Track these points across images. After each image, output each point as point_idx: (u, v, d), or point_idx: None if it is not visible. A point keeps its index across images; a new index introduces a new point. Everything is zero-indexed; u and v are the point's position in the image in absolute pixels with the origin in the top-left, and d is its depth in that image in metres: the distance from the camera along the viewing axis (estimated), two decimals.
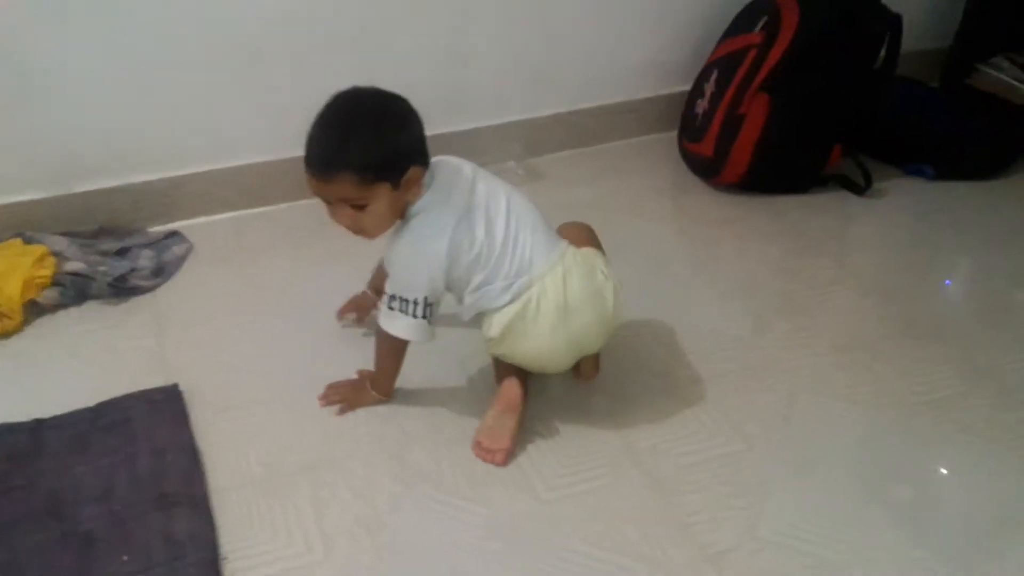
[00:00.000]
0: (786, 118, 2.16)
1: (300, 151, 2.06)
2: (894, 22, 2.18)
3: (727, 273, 1.97)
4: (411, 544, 1.36)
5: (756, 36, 2.19)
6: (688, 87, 2.42)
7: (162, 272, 1.90)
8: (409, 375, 1.60)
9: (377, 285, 1.67)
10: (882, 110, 2.26)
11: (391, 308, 1.43)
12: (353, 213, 1.34)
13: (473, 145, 2.26)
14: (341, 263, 1.84)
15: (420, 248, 1.39)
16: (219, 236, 2.05)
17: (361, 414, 1.58)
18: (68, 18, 1.81)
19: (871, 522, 1.40)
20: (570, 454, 1.51)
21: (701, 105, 2.30)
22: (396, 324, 1.44)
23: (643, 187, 2.31)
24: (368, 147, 1.29)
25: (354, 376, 1.63)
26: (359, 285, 1.78)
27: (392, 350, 1.52)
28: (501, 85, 2.30)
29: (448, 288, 1.45)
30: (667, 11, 2.38)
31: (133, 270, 1.85)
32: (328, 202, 1.36)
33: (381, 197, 1.32)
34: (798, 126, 2.18)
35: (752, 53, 2.18)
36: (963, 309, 1.88)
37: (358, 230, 1.38)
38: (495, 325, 1.43)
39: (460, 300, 1.47)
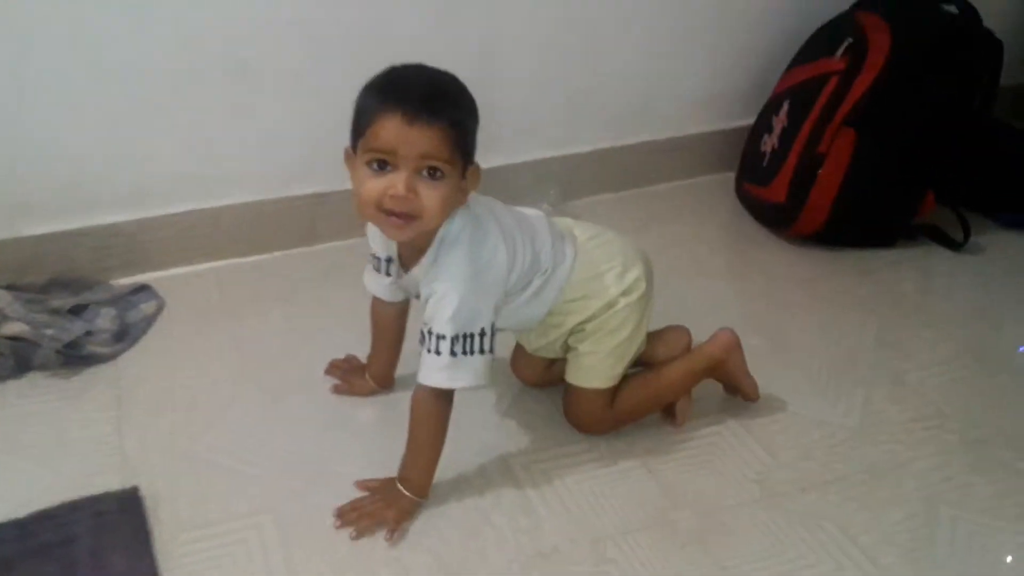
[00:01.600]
0: (875, 157, 1.83)
1: (295, 189, 1.77)
2: (995, 49, 1.86)
3: (818, 347, 1.62)
4: None
5: (838, 62, 1.86)
6: (748, 121, 2.10)
7: (126, 336, 1.53)
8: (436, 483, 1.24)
9: (381, 371, 1.43)
10: (980, 150, 1.94)
11: (454, 355, 1.13)
12: (416, 185, 1.07)
13: (501, 185, 1.88)
14: (345, 323, 1.52)
15: (482, 262, 1.16)
16: (197, 291, 1.69)
17: (379, 534, 1.20)
18: (19, 29, 1.47)
19: None
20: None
21: (769, 142, 1.97)
22: (464, 371, 1.15)
23: (701, 238, 1.97)
24: (466, 108, 1.11)
25: (359, 488, 1.26)
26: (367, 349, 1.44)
27: (443, 422, 1.19)
28: (534, 116, 1.97)
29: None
30: (724, 35, 2.07)
31: (89, 333, 1.48)
32: (391, 162, 1.06)
33: (453, 176, 1.09)
34: (889, 167, 1.85)
35: (833, 81, 1.85)
36: None
37: (412, 210, 1.08)
38: (582, 272, 1.29)
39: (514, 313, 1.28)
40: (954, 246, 1.93)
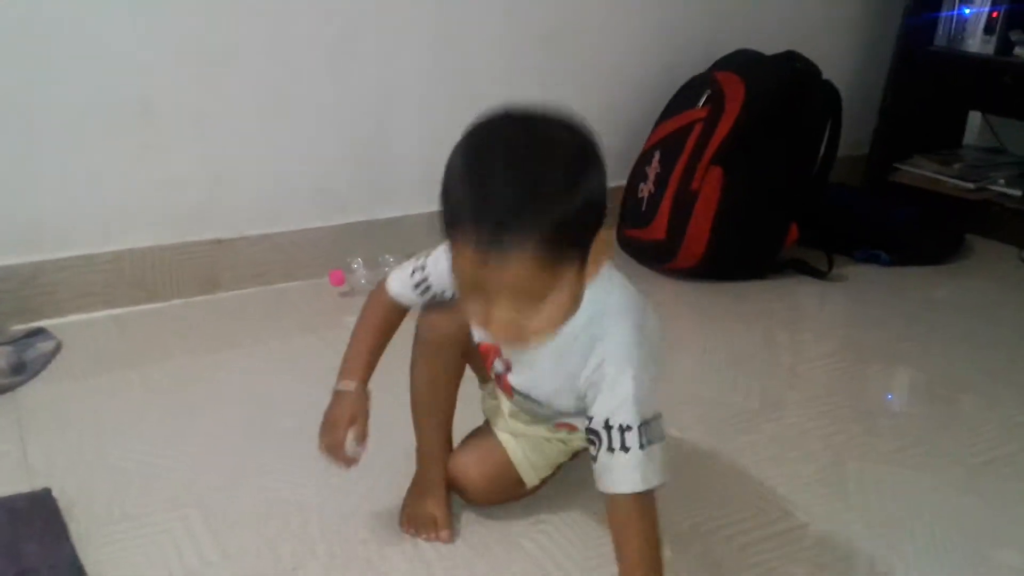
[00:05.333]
0: (742, 191, 1.99)
1: (200, 233, 1.81)
2: (834, 94, 2.09)
3: (712, 348, 1.72)
4: None
5: (700, 111, 2.05)
6: (621, 181, 2.24)
7: (23, 370, 1.47)
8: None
9: (366, 369, 1.09)
10: (828, 188, 2.15)
11: (643, 447, 0.91)
12: (516, 317, 0.87)
13: (399, 235, 1.99)
14: (256, 366, 1.53)
15: (647, 328, 0.97)
16: (97, 335, 1.64)
17: (313, 514, 1.18)
18: None
19: None
20: (589, 543, 1.15)
21: (645, 189, 2.11)
22: (654, 464, 0.92)
23: None
24: (562, 199, 0.82)
25: None
26: (281, 389, 1.45)
27: (656, 521, 0.94)
28: (426, 171, 2.04)
29: None
30: (595, 99, 2.22)
31: None
32: (478, 295, 0.86)
33: (567, 283, 0.86)
34: (755, 199, 2.01)
35: (698, 127, 2.03)
36: (977, 368, 1.68)
37: (520, 338, 0.90)
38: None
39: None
40: (819, 275, 2.09)
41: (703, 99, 2.06)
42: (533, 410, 1.12)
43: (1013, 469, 1.37)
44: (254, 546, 1.12)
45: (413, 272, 1.07)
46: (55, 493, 1.17)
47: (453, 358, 1.13)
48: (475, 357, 1.15)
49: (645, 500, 0.92)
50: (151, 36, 1.62)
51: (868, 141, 2.62)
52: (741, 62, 2.13)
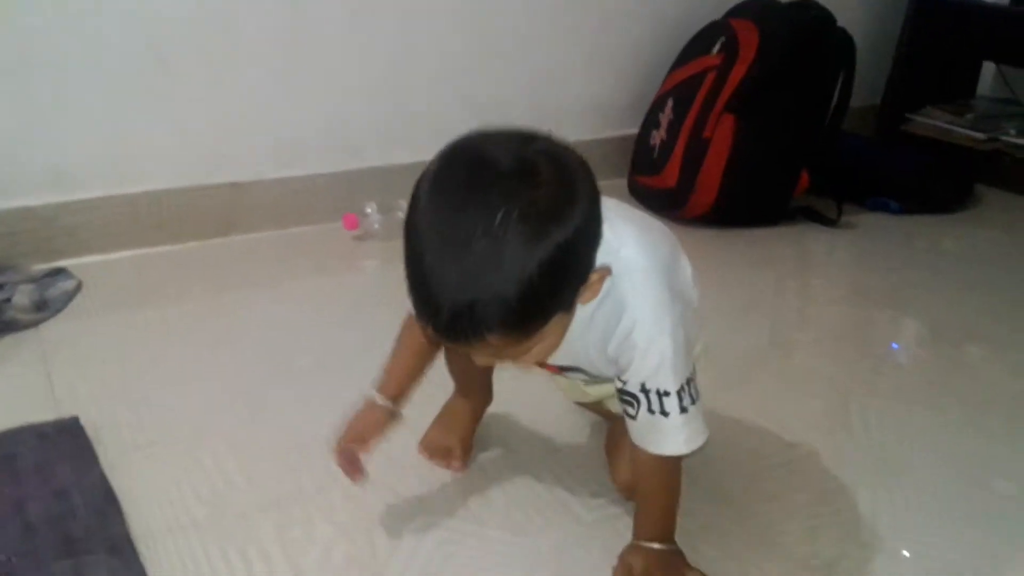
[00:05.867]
0: (754, 139, 2.00)
1: (216, 176, 1.83)
2: (848, 43, 2.09)
3: (723, 293, 1.73)
4: None
5: (714, 58, 2.05)
6: (634, 130, 2.25)
7: (46, 307, 1.51)
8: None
9: (403, 390, 1.04)
10: (840, 137, 2.16)
11: (685, 410, 0.90)
12: (501, 359, 0.87)
13: (413, 180, 1.99)
14: (271, 307, 1.56)
15: (671, 276, 0.93)
16: (116, 275, 1.68)
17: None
18: None
19: (986, 518, 1.14)
20: (598, 470, 1.19)
21: (658, 136, 2.12)
22: (696, 424, 0.92)
23: None
24: (530, 270, 0.74)
25: None
26: (297, 328, 1.50)
27: (679, 479, 0.97)
28: (441, 117, 2.06)
29: None
30: (610, 47, 2.24)
31: (8, 300, 1.46)
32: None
33: (552, 331, 0.82)
34: (767, 147, 2.03)
35: (712, 75, 2.03)
36: (985, 314, 1.70)
37: (520, 366, 0.93)
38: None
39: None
40: (829, 223, 2.10)
41: (717, 46, 2.06)
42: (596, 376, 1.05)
43: (1016, 407, 1.39)
44: (277, 473, 1.15)
45: None
46: (82, 422, 1.21)
47: None
48: None
49: (677, 459, 0.94)
50: None
51: (881, 90, 2.62)
52: (756, 9, 2.13)
